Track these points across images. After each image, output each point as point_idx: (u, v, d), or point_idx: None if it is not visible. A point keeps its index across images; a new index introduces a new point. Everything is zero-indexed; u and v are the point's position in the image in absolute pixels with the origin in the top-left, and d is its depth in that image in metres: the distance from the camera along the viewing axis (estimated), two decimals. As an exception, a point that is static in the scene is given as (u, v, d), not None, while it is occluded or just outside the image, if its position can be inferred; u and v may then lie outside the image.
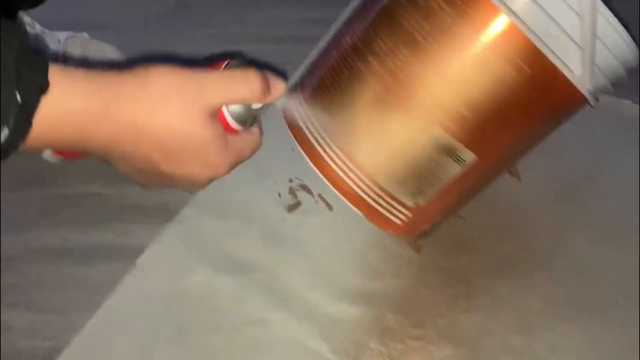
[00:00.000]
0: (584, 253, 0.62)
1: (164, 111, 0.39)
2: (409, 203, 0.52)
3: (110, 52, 0.75)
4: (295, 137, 0.54)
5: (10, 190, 0.66)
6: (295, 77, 0.77)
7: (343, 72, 0.51)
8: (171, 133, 0.40)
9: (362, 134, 0.50)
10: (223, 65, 0.44)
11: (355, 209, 0.52)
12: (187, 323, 0.58)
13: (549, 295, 0.59)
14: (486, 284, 0.60)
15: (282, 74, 0.46)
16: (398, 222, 0.52)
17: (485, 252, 0.62)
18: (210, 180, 0.45)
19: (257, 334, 0.57)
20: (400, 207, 0.52)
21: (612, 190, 0.67)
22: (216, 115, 0.42)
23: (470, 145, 0.50)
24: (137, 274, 0.61)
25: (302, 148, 0.53)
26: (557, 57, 0.47)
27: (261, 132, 0.47)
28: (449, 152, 0.49)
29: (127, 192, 0.67)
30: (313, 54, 0.58)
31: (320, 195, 0.67)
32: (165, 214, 0.66)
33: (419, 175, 0.51)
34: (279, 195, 0.67)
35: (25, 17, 0.71)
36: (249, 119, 0.44)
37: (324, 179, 0.52)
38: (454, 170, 0.51)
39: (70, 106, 0.36)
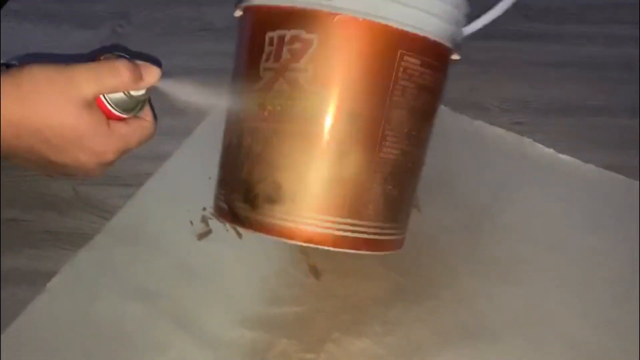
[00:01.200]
0: (473, 285, 0.65)
1: (37, 106, 0.42)
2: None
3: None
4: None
5: None
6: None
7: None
8: (48, 126, 0.43)
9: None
10: (99, 59, 0.47)
11: (352, 250, 0.55)
12: (92, 347, 0.61)
13: (436, 323, 0.63)
14: (378, 312, 0.64)
15: (158, 62, 0.49)
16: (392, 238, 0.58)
17: (380, 281, 0.66)
18: (102, 166, 0.48)
19: (158, 357, 0.60)
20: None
21: (507, 228, 0.70)
22: (93, 104, 0.44)
23: None
24: (46, 297, 0.64)
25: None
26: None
27: (153, 119, 0.49)
28: None
29: (45, 219, 0.70)
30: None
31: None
32: (81, 240, 0.69)
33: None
34: (191, 223, 0.70)
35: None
36: (132, 105, 0.47)
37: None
38: None
39: None
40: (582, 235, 0.69)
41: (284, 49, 0.51)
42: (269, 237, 0.54)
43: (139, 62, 0.47)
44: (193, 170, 0.74)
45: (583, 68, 0.86)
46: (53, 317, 0.63)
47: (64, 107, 0.43)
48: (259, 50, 0.52)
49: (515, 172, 0.75)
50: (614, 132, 0.78)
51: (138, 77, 0.46)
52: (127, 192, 0.72)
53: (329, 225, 0.53)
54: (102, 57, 0.46)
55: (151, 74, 0.47)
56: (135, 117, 0.48)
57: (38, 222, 0.70)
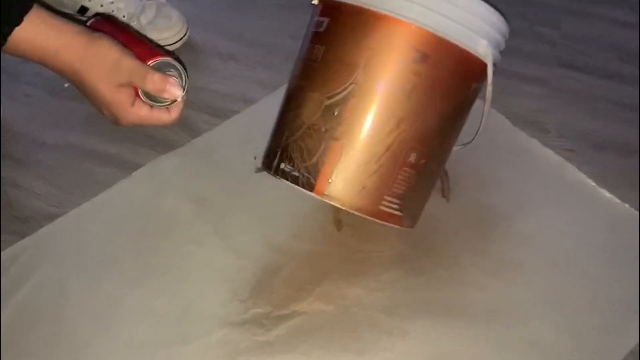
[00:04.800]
0: (469, 274, 0.72)
1: (91, 70, 0.59)
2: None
3: (176, 18, 0.96)
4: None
5: (61, 97, 0.90)
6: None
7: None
8: (92, 87, 0.60)
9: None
10: (151, 61, 0.63)
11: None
12: (147, 228, 0.77)
13: (424, 295, 0.71)
14: (378, 271, 0.73)
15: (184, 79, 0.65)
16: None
17: (389, 247, 0.75)
18: (119, 125, 0.64)
19: (193, 250, 0.75)
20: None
21: (519, 235, 0.75)
22: (127, 87, 0.61)
23: None
24: (129, 182, 0.81)
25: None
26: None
27: (175, 117, 0.66)
28: None
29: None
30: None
31: (285, 167, 0.82)
32: (168, 147, 0.85)
33: None
34: (255, 158, 0.83)
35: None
36: (158, 101, 0.64)
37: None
38: None
39: (34, 40, 0.56)
40: (586, 262, 0.73)
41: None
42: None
43: (171, 79, 0.62)
44: (271, 117, 0.87)
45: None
46: (128, 199, 0.80)
47: (105, 82, 0.59)
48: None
49: (548, 191, 0.80)
50: (662, 182, 0.80)
51: (161, 89, 0.62)
52: (215, 121, 0.88)
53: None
54: (154, 61, 0.63)
55: (173, 91, 0.63)
56: (163, 107, 0.64)
57: (141, 127, 0.87)
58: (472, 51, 0.62)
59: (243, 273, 0.73)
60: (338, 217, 0.78)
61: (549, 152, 0.83)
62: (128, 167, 0.83)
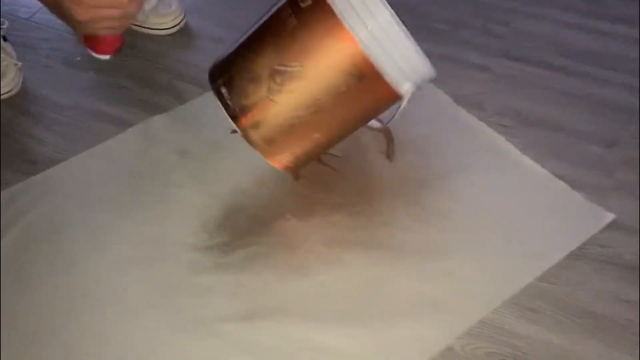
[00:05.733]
0: (401, 220, 0.85)
1: None
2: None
3: (175, 6, 1.11)
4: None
5: (73, 67, 1.05)
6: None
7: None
8: None
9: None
10: None
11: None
12: (137, 172, 0.92)
13: (360, 231, 0.84)
14: (326, 213, 0.87)
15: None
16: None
17: (338, 196, 0.88)
18: (77, 10, 0.72)
19: (174, 192, 0.89)
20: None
21: (450, 189, 0.89)
22: None
23: None
24: (124, 136, 0.97)
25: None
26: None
27: None
28: None
29: (144, 92, 1.03)
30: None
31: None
32: (158, 110, 1.00)
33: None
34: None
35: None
36: None
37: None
38: None
39: None
40: (504, 213, 0.85)
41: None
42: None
43: None
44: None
45: (586, 102, 0.99)
46: (122, 149, 0.95)
47: None
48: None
49: (479, 157, 0.93)
50: (581, 154, 0.92)
51: None
52: (200, 92, 1.03)
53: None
54: None
55: None
56: None
57: (139, 92, 1.03)
58: (395, 88, 0.74)
59: (213, 211, 0.87)
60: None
61: (483, 126, 0.96)
62: (124, 125, 0.98)
